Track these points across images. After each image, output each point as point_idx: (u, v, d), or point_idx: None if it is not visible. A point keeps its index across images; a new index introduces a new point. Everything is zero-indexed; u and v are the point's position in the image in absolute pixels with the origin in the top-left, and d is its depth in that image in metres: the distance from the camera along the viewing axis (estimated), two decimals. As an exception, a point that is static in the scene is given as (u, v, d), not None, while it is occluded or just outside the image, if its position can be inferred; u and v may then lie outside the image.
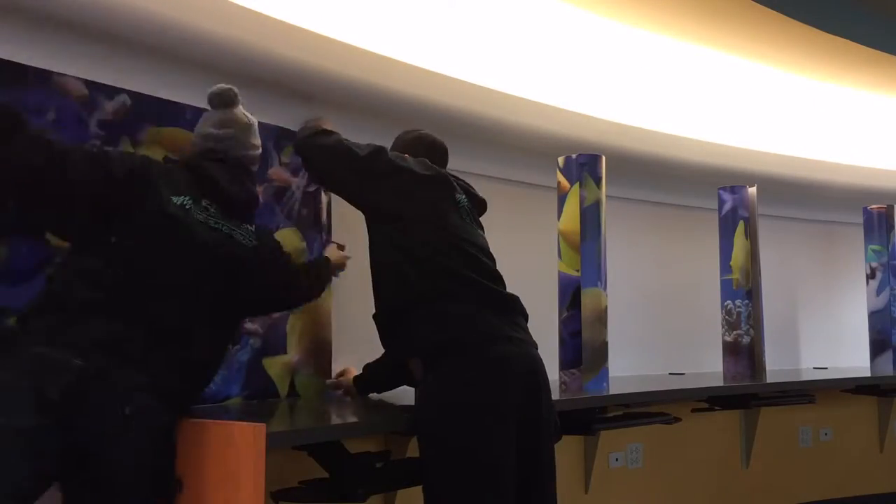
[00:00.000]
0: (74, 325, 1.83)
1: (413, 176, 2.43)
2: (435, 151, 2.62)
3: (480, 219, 2.58)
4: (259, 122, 2.81)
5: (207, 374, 2.15)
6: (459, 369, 2.22)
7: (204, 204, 2.09)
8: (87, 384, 1.76)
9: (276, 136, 2.88)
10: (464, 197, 2.52)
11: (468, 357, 2.23)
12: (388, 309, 2.37)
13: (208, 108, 2.30)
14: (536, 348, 2.38)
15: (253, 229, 2.21)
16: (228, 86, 2.27)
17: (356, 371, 2.77)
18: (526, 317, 2.41)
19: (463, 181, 2.60)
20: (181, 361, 1.96)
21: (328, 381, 2.90)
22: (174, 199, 2.03)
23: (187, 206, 2.05)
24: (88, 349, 1.79)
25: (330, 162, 2.45)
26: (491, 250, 2.47)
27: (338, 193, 2.59)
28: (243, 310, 2.28)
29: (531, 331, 2.41)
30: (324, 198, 3.03)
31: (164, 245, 2.00)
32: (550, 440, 2.36)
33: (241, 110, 2.29)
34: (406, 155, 2.52)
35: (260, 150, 2.34)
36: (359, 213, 3.10)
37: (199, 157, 2.21)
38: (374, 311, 2.42)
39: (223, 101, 2.27)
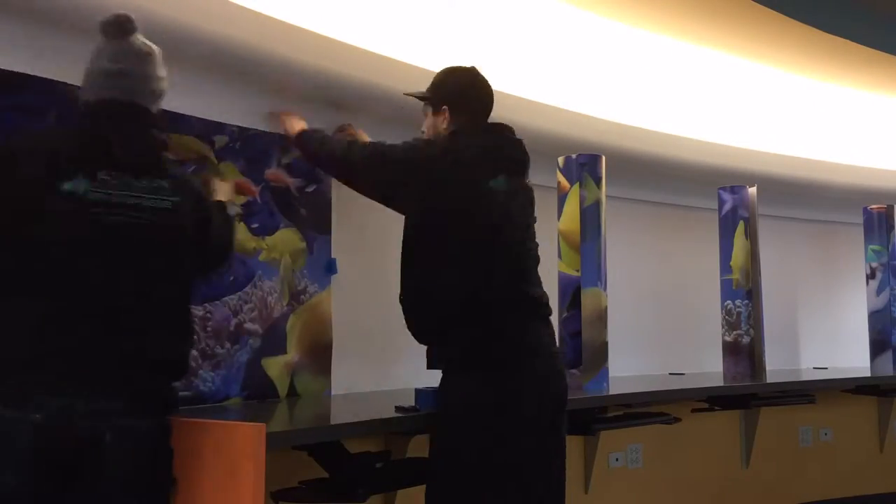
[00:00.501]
0: (24, 373, 1.73)
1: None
2: (489, 105, 2.49)
3: None
4: (259, 131, 2.82)
5: (179, 359, 1.96)
6: (502, 378, 2.23)
7: (101, 177, 1.82)
8: (55, 431, 1.69)
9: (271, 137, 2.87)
10: (502, 180, 2.37)
11: (511, 368, 2.25)
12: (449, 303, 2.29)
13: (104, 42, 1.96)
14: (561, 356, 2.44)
15: (167, 185, 1.91)
16: (123, 11, 1.96)
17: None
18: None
19: (505, 134, 2.46)
20: (143, 360, 1.82)
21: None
22: (65, 185, 1.78)
23: (80, 191, 1.79)
24: (45, 393, 1.70)
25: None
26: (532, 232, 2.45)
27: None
28: (186, 277, 1.99)
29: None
30: (324, 197, 3.03)
31: (71, 247, 1.79)
32: (563, 457, 2.40)
33: (138, 38, 1.96)
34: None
35: (165, 82, 2.00)
36: (359, 214, 3.10)
37: (91, 111, 1.91)
38: (387, 306, 2.41)
39: (117, 28, 1.93)
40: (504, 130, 2.45)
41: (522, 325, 2.30)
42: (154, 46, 1.98)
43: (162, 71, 1.99)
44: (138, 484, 1.80)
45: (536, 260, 2.43)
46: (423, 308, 2.34)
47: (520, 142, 2.46)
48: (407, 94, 2.55)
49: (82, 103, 1.93)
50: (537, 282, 2.41)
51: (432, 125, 2.47)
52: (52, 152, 1.83)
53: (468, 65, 2.51)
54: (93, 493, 1.75)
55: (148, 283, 1.86)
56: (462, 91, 2.45)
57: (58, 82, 2.24)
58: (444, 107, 2.43)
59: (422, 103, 2.51)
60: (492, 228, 2.32)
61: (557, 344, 2.47)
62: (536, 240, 2.46)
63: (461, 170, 2.32)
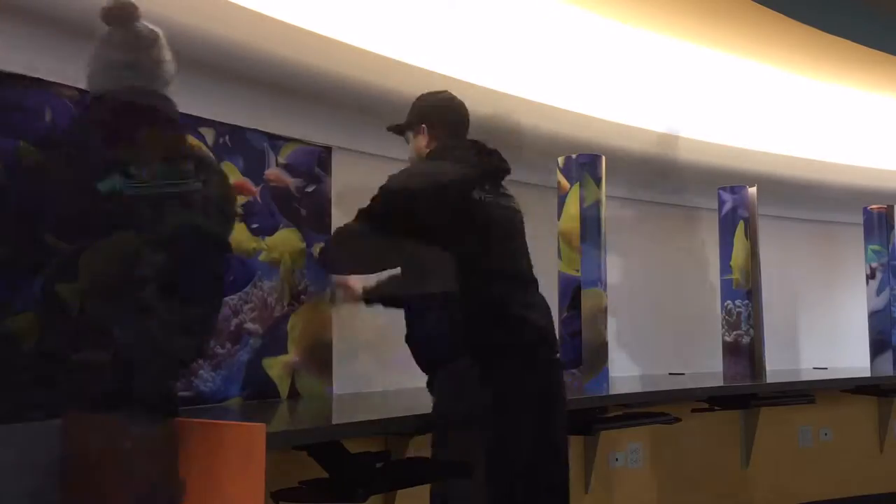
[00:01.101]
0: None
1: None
2: (465, 118, 2.58)
3: None
4: (258, 131, 2.82)
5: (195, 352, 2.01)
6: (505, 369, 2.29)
7: (132, 171, 1.76)
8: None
9: (268, 137, 2.87)
10: (487, 195, 2.46)
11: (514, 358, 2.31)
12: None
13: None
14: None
15: (191, 167, 1.86)
16: None
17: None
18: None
19: (481, 149, 2.53)
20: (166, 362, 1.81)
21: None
22: (104, 184, 1.72)
23: (118, 189, 1.74)
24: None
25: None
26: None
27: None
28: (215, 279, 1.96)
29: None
30: (324, 197, 3.03)
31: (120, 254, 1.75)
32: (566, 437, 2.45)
33: (143, 23, 1.93)
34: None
35: (173, 63, 1.96)
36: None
37: (108, 103, 1.87)
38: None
39: (121, 15, 1.88)
40: (483, 145, 2.50)
41: (521, 315, 2.36)
42: (157, 29, 1.95)
43: (168, 53, 1.96)
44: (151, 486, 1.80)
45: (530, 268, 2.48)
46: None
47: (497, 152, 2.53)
48: (389, 129, 2.61)
49: (94, 95, 1.89)
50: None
51: (414, 147, 2.54)
52: (86, 152, 1.79)
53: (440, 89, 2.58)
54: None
55: (192, 276, 1.81)
56: (435, 106, 2.54)
57: (51, 82, 2.22)
58: (423, 125, 2.50)
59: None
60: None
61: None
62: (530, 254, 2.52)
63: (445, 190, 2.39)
